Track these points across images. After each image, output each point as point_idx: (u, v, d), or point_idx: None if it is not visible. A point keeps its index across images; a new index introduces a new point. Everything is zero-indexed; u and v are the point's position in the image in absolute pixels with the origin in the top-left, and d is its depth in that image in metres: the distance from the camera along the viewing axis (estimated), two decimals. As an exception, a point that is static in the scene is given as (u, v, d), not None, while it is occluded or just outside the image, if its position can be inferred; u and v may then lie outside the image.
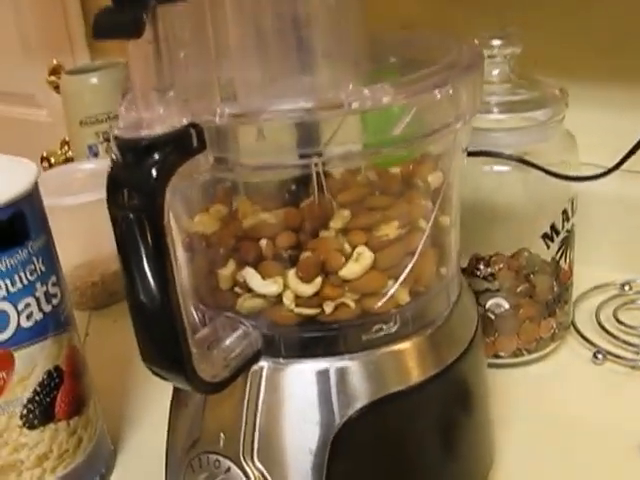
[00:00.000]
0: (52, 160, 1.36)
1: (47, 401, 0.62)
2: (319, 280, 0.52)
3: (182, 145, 0.45)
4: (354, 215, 0.52)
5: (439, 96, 0.48)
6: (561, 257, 0.79)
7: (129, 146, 0.44)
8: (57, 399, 0.62)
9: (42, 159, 1.35)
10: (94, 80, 1.20)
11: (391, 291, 0.53)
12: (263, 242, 0.52)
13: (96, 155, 1.22)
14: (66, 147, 1.38)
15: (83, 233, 0.91)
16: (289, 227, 0.52)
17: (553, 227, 0.76)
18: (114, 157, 0.45)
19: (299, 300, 0.52)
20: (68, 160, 1.36)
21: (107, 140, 1.21)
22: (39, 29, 1.47)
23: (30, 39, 1.48)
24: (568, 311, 0.82)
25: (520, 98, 0.74)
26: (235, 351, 0.53)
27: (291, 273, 0.52)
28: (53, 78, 1.37)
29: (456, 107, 0.50)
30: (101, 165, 1.05)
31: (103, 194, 0.89)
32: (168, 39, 0.43)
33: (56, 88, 1.34)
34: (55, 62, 1.38)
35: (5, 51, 1.54)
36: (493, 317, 0.77)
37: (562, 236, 0.77)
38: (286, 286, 0.52)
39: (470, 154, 0.65)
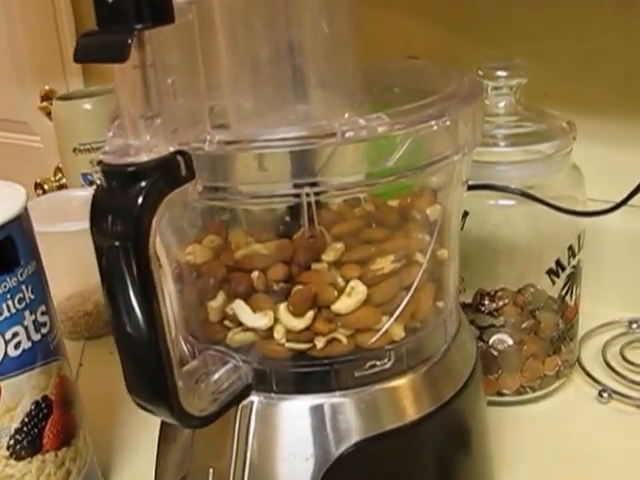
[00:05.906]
0: (46, 187, 1.34)
1: (35, 432, 0.60)
2: (311, 314, 0.50)
3: (170, 173, 0.43)
4: (348, 248, 0.51)
5: (436, 127, 0.47)
6: (567, 293, 0.77)
7: (115, 172, 0.43)
8: (45, 430, 0.61)
9: (36, 186, 1.33)
10: (87, 106, 1.17)
11: (385, 327, 0.52)
12: (254, 274, 0.51)
13: (91, 184, 1.20)
14: (60, 174, 1.37)
15: (76, 261, 0.89)
16: (281, 259, 0.51)
17: (559, 263, 0.75)
18: (99, 182, 0.44)
19: (290, 334, 0.51)
20: (62, 187, 1.36)
21: (101, 169, 1.20)
22: (33, 55, 1.45)
23: (24, 65, 1.46)
24: (574, 349, 0.81)
25: (526, 130, 0.73)
26: (224, 385, 0.52)
27: (282, 307, 0.51)
28: (45, 104, 1.37)
29: (454, 139, 0.49)
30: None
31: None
32: (155, 65, 0.42)
33: (48, 114, 1.34)
34: (47, 88, 1.38)
35: (-1, 77, 1.54)
36: (496, 353, 0.76)
37: (568, 272, 0.76)
38: (277, 320, 0.51)
39: (475, 188, 0.64)
